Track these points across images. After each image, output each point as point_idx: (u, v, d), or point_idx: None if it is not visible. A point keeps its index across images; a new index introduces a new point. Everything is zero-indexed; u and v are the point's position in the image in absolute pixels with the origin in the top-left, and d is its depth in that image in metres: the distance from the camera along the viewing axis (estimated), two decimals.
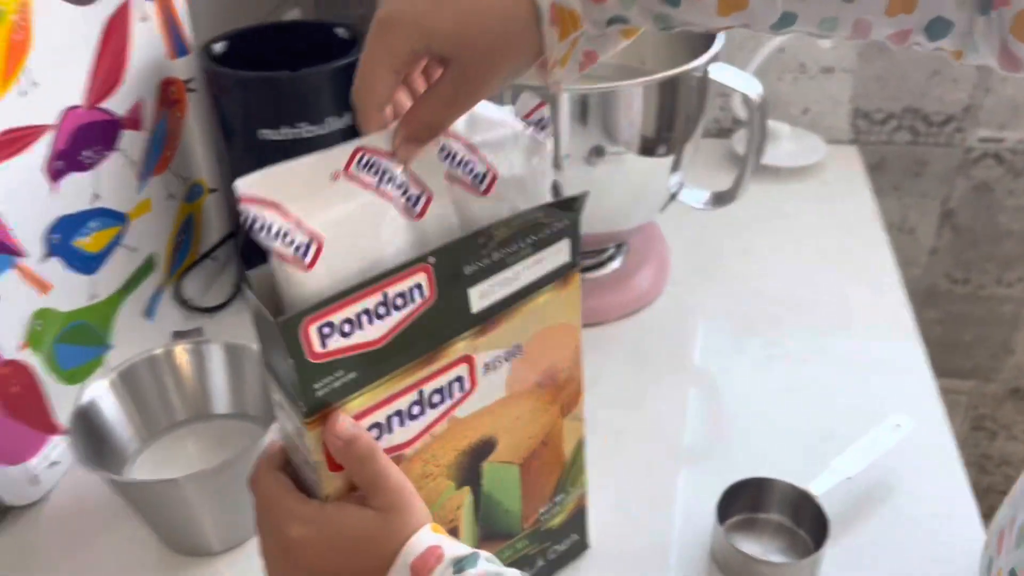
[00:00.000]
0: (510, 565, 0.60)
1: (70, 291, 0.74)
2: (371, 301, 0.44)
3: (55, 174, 0.70)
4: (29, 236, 0.69)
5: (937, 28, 0.47)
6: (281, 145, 0.83)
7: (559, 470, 0.62)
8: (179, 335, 0.76)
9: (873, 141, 1.28)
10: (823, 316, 0.94)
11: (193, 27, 0.88)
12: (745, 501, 0.69)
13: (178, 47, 0.86)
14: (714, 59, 0.82)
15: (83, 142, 0.73)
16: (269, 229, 0.42)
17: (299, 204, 0.43)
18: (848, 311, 0.94)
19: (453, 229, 0.49)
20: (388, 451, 0.48)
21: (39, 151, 0.69)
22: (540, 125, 0.52)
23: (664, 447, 0.78)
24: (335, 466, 0.46)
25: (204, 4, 0.93)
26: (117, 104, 0.77)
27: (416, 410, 0.49)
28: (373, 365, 0.45)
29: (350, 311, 0.43)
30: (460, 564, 0.44)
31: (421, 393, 0.48)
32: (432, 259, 0.46)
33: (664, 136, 0.84)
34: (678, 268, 1.00)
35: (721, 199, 0.92)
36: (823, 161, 1.21)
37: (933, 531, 0.70)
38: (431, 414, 0.50)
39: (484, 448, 0.54)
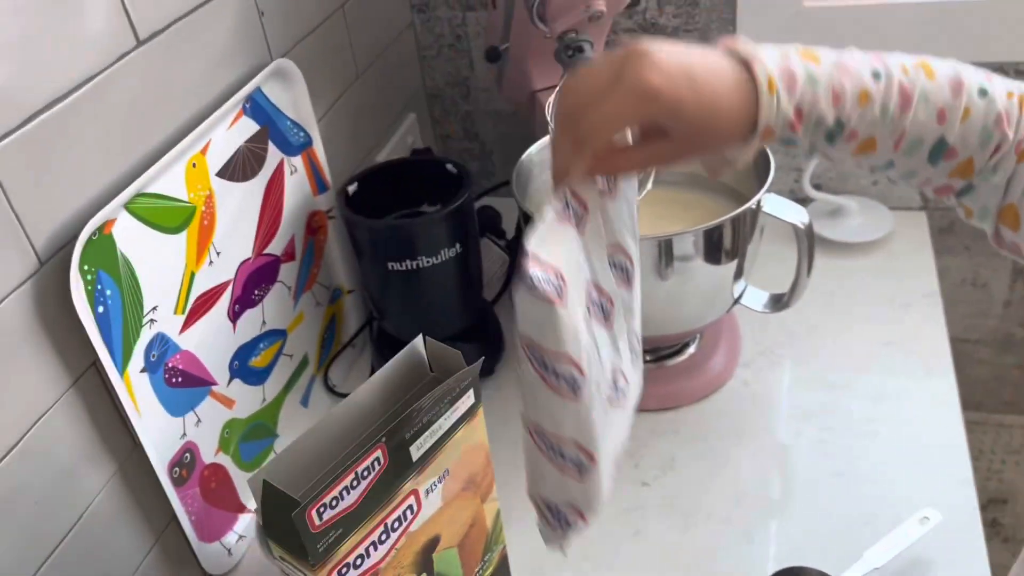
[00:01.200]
0: None
1: (248, 401, 0.93)
2: (347, 479, 0.64)
3: (234, 316, 0.91)
4: (217, 367, 0.88)
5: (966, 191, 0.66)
6: (403, 274, 1.01)
7: (484, 538, 0.82)
8: None
9: (941, 207, 1.32)
10: (877, 400, 1.03)
11: (329, 165, 1.08)
12: None
13: (320, 186, 1.05)
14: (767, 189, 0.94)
15: (253, 285, 0.92)
16: (539, 279, 0.49)
17: (553, 255, 0.51)
18: (899, 395, 1.04)
19: (598, 231, 0.58)
20: (369, 570, 0.67)
21: (223, 302, 0.88)
22: None
23: (718, 524, 0.91)
24: None
25: (337, 145, 1.16)
26: (277, 246, 0.96)
27: (384, 537, 0.69)
28: (353, 520, 0.65)
29: (335, 492, 0.63)
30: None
31: (386, 525, 0.69)
32: (384, 438, 0.67)
33: (727, 253, 0.97)
34: (748, 350, 1.12)
35: (778, 303, 1.04)
36: (892, 234, 1.27)
37: None
38: (394, 536, 0.70)
39: (432, 544, 0.75)
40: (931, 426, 1.00)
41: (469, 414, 0.75)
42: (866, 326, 1.14)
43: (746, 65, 0.58)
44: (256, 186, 0.96)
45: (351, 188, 1.07)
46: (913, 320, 1.14)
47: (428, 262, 1.02)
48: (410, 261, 1.01)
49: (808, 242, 0.96)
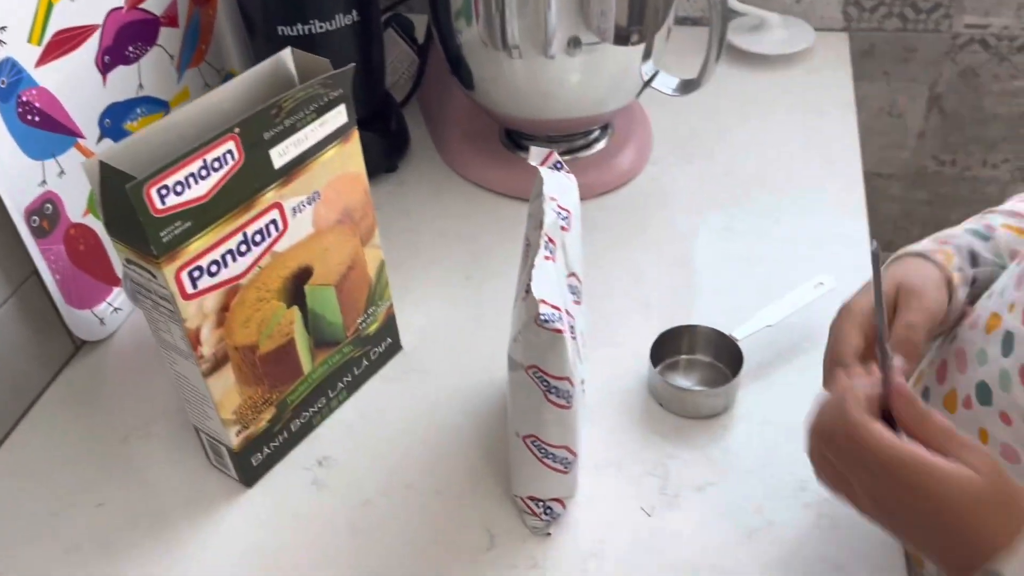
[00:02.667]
0: (342, 366, 0.77)
1: None
2: (194, 166, 0.58)
3: (103, 67, 0.86)
4: (85, 119, 0.82)
5: None
6: (295, 41, 0.93)
7: (367, 288, 0.76)
8: None
9: (864, 28, 1.28)
10: (783, 195, 1.00)
11: None
12: (677, 345, 0.80)
13: None
14: None
15: (127, 39, 0.87)
16: (551, 316, 0.57)
17: (550, 294, 0.58)
18: (806, 191, 1.00)
19: (562, 262, 0.65)
20: (227, 282, 0.62)
21: (89, 47, 0.80)
22: (558, 166, 0.69)
23: (625, 301, 0.89)
24: (187, 295, 0.60)
25: None
26: (155, 5, 0.91)
27: (243, 248, 0.63)
28: (203, 215, 0.59)
29: (180, 175, 0.57)
30: None
31: (245, 235, 0.63)
32: (238, 129, 0.60)
33: (635, 26, 0.91)
34: (659, 149, 1.08)
35: (688, 86, 0.98)
36: (812, 48, 1.23)
37: None
38: (256, 251, 0.64)
39: (303, 274, 0.69)
40: (834, 216, 0.97)
41: (341, 134, 0.68)
42: (780, 130, 1.10)
43: None
44: None
45: None
46: (826, 125, 1.10)
47: (322, 27, 0.93)
48: (302, 25, 0.93)
49: (721, 17, 0.90)
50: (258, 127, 0.62)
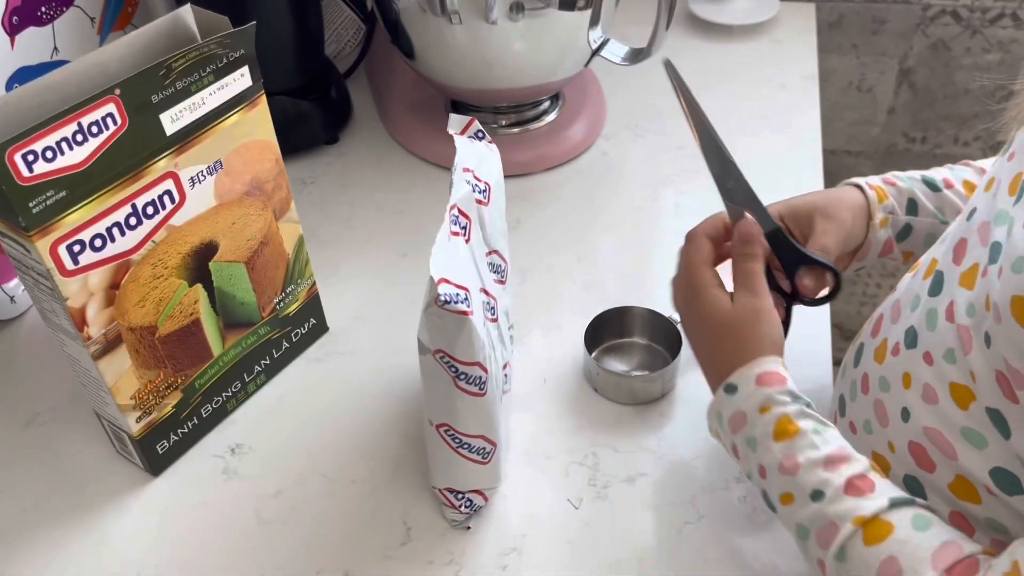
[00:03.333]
0: (258, 348, 0.72)
1: None
2: (68, 130, 0.53)
3: (11, 28, 0.80)
4: None
5: None
6: (226, 3, 0.89)
7: (284, 265, 0.71)
8: None
9: None
10: (739, 167, 0.94)
11: None
12: (615, 327, 0.76)
13: None
14: None
15: None
16: (452, 296, 0.52)
17: (454, 272, 0.54)
18: (762, 166, 0.94)
19: (480, 239, 0.61)
20: (116, 258, 0.58)
21: None
22: (479, 136, 0.65)
23: (567, 282, 0.84)
24: (67, 272, 0.55)
25: None
26: None
27: (133, 221, 0.58)
28: (81, 185, 0.54)
29: (49, 140, 0.52)
30: (796, 396, 0.54)
31: (134, 206, 0.58)
32: (118, 91, 0.54)
33: None
34: (613, 123, 1.02)
35: (638, 55, 0.94)
36: (777, 18, 1.18)
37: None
38: (148, 224, 0.59)
39: (207, 250, 0.64)
40: (792, 184, 0.91)
41: (246, 99, 0.63)
42: (740, 104, 1.05)
43: None
44: None
45: None
46: (788, 98, 1.05)
47: None
48: None
49: None
50: (144, 89, 0.56)
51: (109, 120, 0.55)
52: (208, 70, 0.60)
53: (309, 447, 0.71)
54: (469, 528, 0.64)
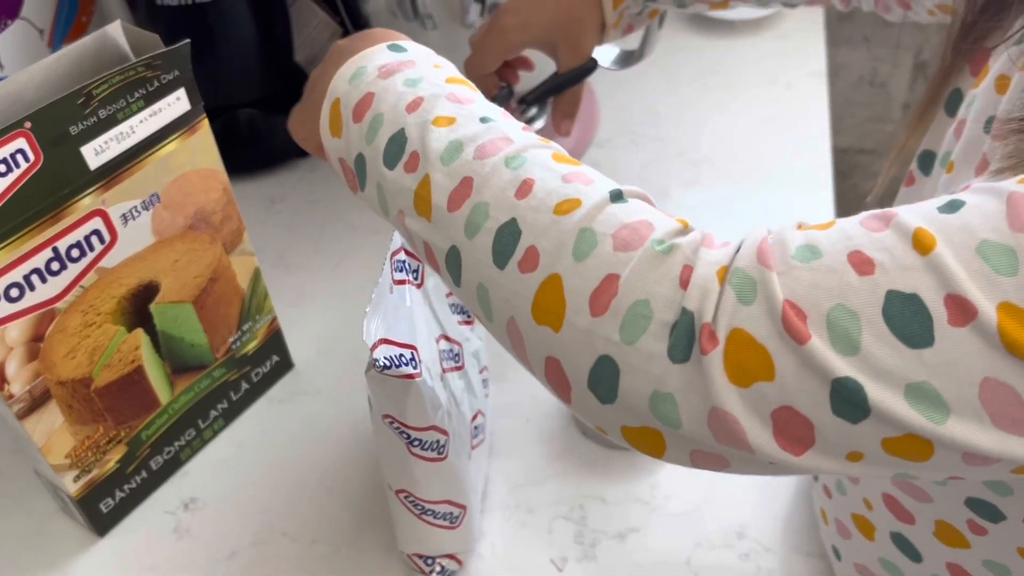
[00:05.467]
0: (213, 392, 0.66)
1: None
2: None
3: None
4: None
5: None
6: (180, 13, 0.83)
7: (239, 301, 0.65)
8: None
9: None
10: (744, 175, 0.89)
11: None
12: None
13: None
14: None
15: None
16: (393, 360, 0.47)
17: (397, 330, 0.48)
18: (768, 171, 0.89)
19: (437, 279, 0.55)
20: (36, 307, 0.52)
21: None
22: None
23: None
24: None
25: None
26: None
27: (56, 266, 0.52)
28: None
29: None
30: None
31: (55, 250, 0.52)
32: (28, 123, 0.48)
33: None
34: (606, 130, 0.96)
35: (629, 58, 0.88)
36: (782, 13, 1.11)
37: None
38: (74, 268, 0.53)
39: (146, 292, 0.58)
40: (799, 195, 0.85)
41: (183, 125, 0.57)
42: (743, 105, 0.98)
43: None
44: None
45: None
46: (795, 97, 0.99)
47: None
48: None
49: None
50: (59, 120, 0.50)
51: (20, 156, 0.49)
52: (137, 95, 0.54)
53: (268, 501, 0.65)
54: None
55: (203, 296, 0.63)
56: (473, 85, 0.44)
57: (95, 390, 0.58)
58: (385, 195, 0.41)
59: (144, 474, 0.64)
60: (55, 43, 0.86)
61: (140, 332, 0.60)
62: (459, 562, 0.58)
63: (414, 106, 0.41)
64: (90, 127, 0.52)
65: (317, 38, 1.07)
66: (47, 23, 0.85)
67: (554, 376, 0.35)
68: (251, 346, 0.69)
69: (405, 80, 0.43)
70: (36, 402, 0.55)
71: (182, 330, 0.62)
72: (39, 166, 0.50)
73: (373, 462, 0.66)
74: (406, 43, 0.46)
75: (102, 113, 0.52)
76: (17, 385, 0.54)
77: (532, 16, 0.66)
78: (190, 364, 0.64)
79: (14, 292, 0.51)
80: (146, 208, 0.57)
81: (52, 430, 0.57)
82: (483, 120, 0.40)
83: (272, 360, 0.72)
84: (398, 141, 0.41)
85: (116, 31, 0.57)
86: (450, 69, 0.45)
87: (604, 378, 0.33)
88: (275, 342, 0.71)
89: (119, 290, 0.57)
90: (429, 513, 0.54)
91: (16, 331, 0.52)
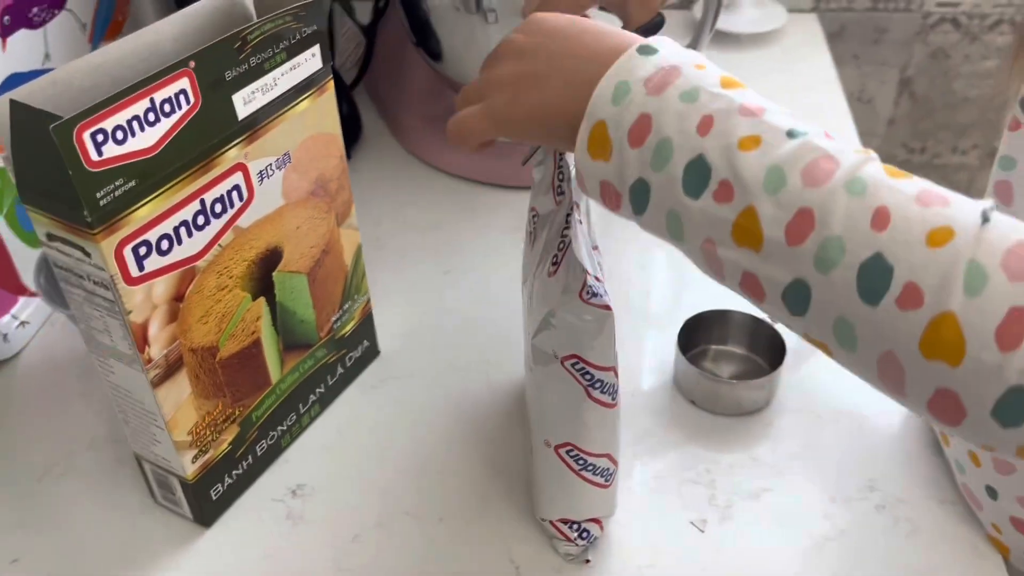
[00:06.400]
0: (314, 374, 0.63)
1: None
2: (140, 107, 0.44)
3: (4, 30, 0.71)
4: None
5: None
6: None
7: (343, 278, 0.63)
8: None
9: (833, 8, 1.22)
10: None
11: None
12: (704, 333, 0.70)
13: None
14: None
15: None
16: (599, 290, 0.47)
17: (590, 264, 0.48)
18: None
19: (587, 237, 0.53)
20: (181, 263, 0.49)
21: None
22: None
23: (624, 291, 0.77)
24: (131, 279, 0.46)
25: None
26: None
27: (201, 220, 0.50)
28: (151, 174, 0.46)
29: (120, 117, 0.44)
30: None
31: (203, 202, 0.50)
32: (192, 63, 0.46)
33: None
34: None
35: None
36: (784, 28, 1.16)
37: None
38: (216, 224, 0.51)
39: (271, 258, 0.56)
40: None
41: (316, 83, 0.56)
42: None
43: None
44: None
45: None
46: (816, 101, 1.03)
47: None
48: None
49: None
50: (218, 63, 0.48)
51: (182, 98, 0.47)
52: (281, 46, 0.52)
53: (382, 484, 0.62)
54: (588, 561, 0.57)
55: (315, 268, 0.61)
56: (745, 83, 0.41)
57: (219, 361, 0.55)
58: (683, 223, 0.39)
59: (250, 459, 0.61)
60: (95, 40, 0.83)
61: (262, 301, 0.57)
62: (602, 527, 0.57)
63: (705, 127, 0.39)
64: (242, 74, 0.50)
65: (345, 47, 1.07)
66: (89, 17, 0.82)
67: (943, 405, 0.35)
68: (348, 327, 0.66)
69: (680, 95, 0.40)
70: (170, 369, 0.52)
71: (296, 303, 0.60)
72: (196, 110, 0.48)
73: (480, 440, 0.65)
74: (652, 42, 0.42)
75: (252, 61, 0.50)
76: (156, 348, 0.50)
77: None
78: (298, 341, 0.62)
79: (164, 244, 0.48)
80: (279, 168, 0.55)
81: (179, 403, 0.53)
82: (790, 135, 0.38)
83: (363, 345, 0.69)
84: (699, 169, 0.38)
85: None
86: (712, 67, 0.42)
87: (1014, 406, 0.33)
88: (367, 326, 0.69)
89: (249, 253, 0.55)
90: (590, 468, 0.53)
91: (162, 287, 0.49)
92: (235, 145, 0.51)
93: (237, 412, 0.58)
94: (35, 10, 0.75)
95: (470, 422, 0.66)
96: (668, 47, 0.42)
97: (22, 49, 0.73)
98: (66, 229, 0.45)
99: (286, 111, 0.54)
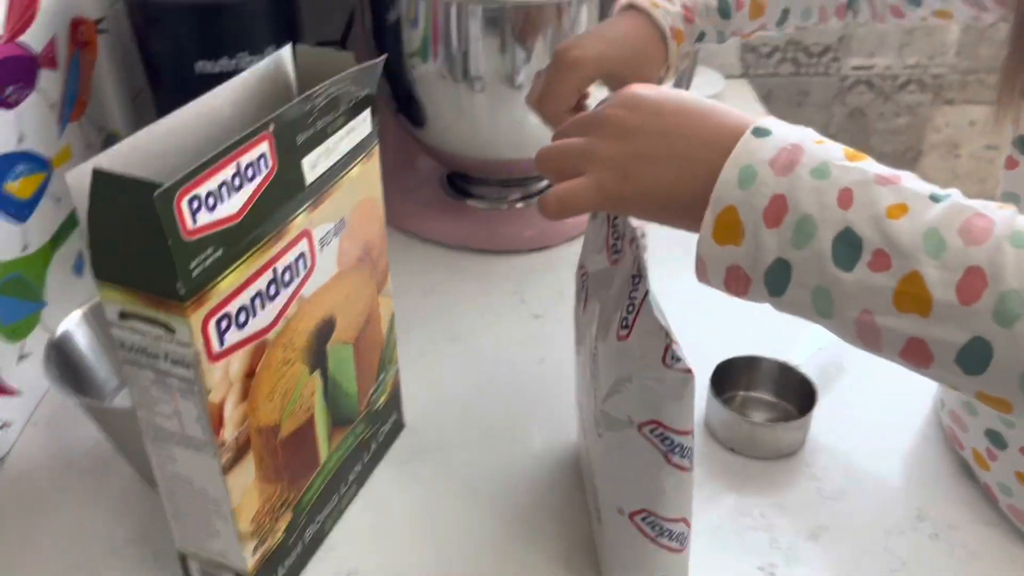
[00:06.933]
0: (354, 451, 0.61)
1: (5, 240, 0.68)
2: (227, 172, 0.42)
3: None
4: None
5: None
6: (218, 79, 0.79)
7: (380, 348, 0.62)
8: None
9: (761, 74, 1.29)
10: None
11: None
12: (732, 379, 0.70)
13: None
14: None
15: (5, 77, 0.68)
16: (683, 354, 0.45)
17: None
18: None
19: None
20: (255, 336, 0.46)
21: None
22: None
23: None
24: (213, 355, 0.44)
25: None
26: (34, 39, 0.72)
27: (273, 290, 0.47)
28: (235, 241, 0.43)
29: (212, 183, 0.41)
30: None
31: (275, 271, 0.47)
32: (272, 126, 0.44)
33: None
34: None
35: None
36: (722, 93, 1.22)
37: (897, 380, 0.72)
38: (284, 294, 0.48)
39: (327, 329, 0.54)
40: None
41: (365, 147, 0.55)
42: None
43: None
44: None
45: None
46: None
47: (250, 62, 0.79)
48: (227, 59, 0.78)
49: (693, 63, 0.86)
50: (292, 127, 0.47)
51: (262, 162, 0.45)
52: (341, 110, 0.51)
53: (433, 567, 0.59)
54: None
55: (359, 338, 0.58)
56: (868, 156, 0.42)
57: (280, 440, 0.52)
58: (834, 298, 0.39)
59: (300, 547, 0.57)
60: (63, 121, 0.79)
61: (317, 375, 0.54)
62: None
63: (846, 200, 0.39)
64: (310, 138, 0.48)
65: None
66: (57, 98, 0.78)
67: None
68: (382, 400, 0.64)
69: (810, 172, 0.40)
70: (240, 452, 0.48)
71: (343, 375, 0.57)
72: (273, 175, 0.46)
73: (523, 513, 0.63)
74: (764, 123, 0.42)
75: (319, 124, 0.49)
76: (229, 429, 0.47)
77: (607, 50, 0.64)
78: (343, 417, 0.59)
79: (242, 317, 0.46)
80: (336, 234, 0.53)
81: (246, 488, 0.50)
82: (933, 199, 0.38)
83: (392, 417, 0.67)
84: (848, 241, 0.38)
85: (285, 55, 0.54)
86: (831, 142, 0.42)
87: None
88: (396, 397, 0.67)
89: (310, 324, 0.52)
90: (666, 534, 0.52)
91: (237, 363, 0.46)
92: (302, 212, 0.49)
93: (291, 496, 0.55)
94: (10, 89, 0.71)
95: (511, 493, 0.64)
96: (780, 126, 0.42)
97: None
98: (148, 304, 0.42)
99: (343, 176, 0.52)
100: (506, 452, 0.67)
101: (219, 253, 0.43)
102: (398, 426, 0.68)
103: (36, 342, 0.71)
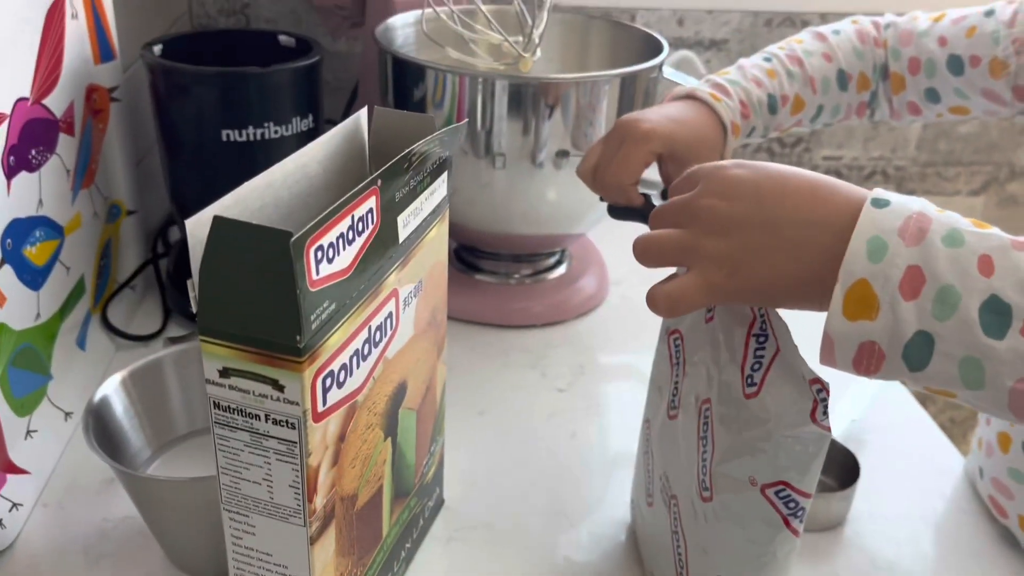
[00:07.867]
0: (407, 526, 0.58)
1: (21, 306, 0.64)
2: (343, 225, 0.41)
3: (8, 171, 0.63)
4: None
5: None
6: (246, 147, 0.77)
7: (435, 416, 0.60)
8: (174, 340, 0.69)
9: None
10: None
11: (119, 36, 0.82)
12: None
13: (104, 51, 0.80)
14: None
15: (31, 140, 0.66)
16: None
17: None
18: None
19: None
20: (349, 397, 0.44)
21: None
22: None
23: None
24: (318, 414, 0.42)
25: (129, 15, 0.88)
26: (55, 103, 0.70)
27: (367, 349, 0.45)
28: (344, 296, 0.42)
29: (332, 234, 0.40)
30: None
31: (369, 330, 0.46)
32: (380, 182, 0.44)
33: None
34: (616, 270, 0.99)
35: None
36: None
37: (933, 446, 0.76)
38: (374, 354, 0.47)
39: (400, 393, 0.52)
40: None
41: (441, 210, 0.54)
42: None
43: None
44: (35, 9, 0.68)
45: (156, 49, 0.81)
46: None
47: (276, 132, 0.78)
48: (254, 128, 0.77)
49: None
50: (394, 183, 0.46)
51: (369, 217, 0.44)
52: (427, 170, 0.51)
53: None
54: None
55: (422, 405, 0.57)
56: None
57: (356, 511, 0.49)
58: (985, 367, 0.38)
59: None
60: (76, 187, 0.77)
61: (389, 442, 0.52)
62: None
63: (987, 268, 0.38)
64: (404, 196, 0.48)
65: None
66: (72, 164, 0.76)
67: None
68: (431, 472, 0.62)
69: (942, 240, 0.39)
70: (325, 522, 0.46)
71: (407, 443, 0.55)
72: (376, 232, 0.45)
73: None
74: (880, 194, 0.42)
75: (412, 182, 0.48)
76: (320, 497, 0.44)
77: (676, 129, 0.66)
78: (403, 488, 0.56)
79: (342, 376, 0.44)
80: (415, 295, 0.52)
81: (326, 562, 0.47)
82: None
83: (436, 492, 0.64)
84: (996, 309, 0.38)
85: (361, 118, 0.54)
86: (948, 210, 0.42)
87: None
88: (440, 471, 0.64)
89: (389, 387, 0.50)
90: None
91: (333, 426, 0.44)
92: (394, 270, 0.48)
93: (358, 573, 0.52)
94: (33, 152, 0.68)
95: (564, 566, 0.62)
96: (895, 195, 0.42)
97: (23, 193, 0.66)
98: (257, 360, 0.40)
99: (424, 236, 0.52)
100: (551, 532, 0.65)
101: (332, 307, 0.41)
102: (439, 502, 0.65)
103: (42, 418, 0.67)
